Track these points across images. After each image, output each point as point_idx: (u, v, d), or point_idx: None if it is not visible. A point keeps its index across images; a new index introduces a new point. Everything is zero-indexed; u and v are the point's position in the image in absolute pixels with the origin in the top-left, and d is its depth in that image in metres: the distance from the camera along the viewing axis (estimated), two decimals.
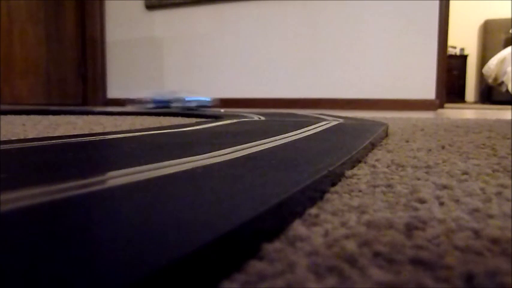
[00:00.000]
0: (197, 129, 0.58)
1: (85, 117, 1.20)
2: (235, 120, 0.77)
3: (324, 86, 2.04)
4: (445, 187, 0.28)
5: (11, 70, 2.46)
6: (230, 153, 0.33)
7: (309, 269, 0.14)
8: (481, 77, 3.88)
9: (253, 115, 0.99)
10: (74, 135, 0.50)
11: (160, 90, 1.56)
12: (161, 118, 1.16)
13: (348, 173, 0.32)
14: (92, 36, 2.53)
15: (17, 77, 2.48)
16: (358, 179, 0.30)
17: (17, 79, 2.48)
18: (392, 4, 1.89)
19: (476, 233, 0.18)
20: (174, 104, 1.44)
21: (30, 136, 0.64)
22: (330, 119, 0.80)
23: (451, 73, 4.10)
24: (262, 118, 0.87)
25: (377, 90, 1.94)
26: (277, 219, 0.18)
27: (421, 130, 0.74)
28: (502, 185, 0.28)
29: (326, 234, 0.18)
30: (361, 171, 0.33)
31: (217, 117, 0.95)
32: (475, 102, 4.30)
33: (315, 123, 0.66)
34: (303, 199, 0.22)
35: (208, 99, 1.49)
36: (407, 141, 0.55)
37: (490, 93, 3.85)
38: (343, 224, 0.19)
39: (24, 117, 1.16)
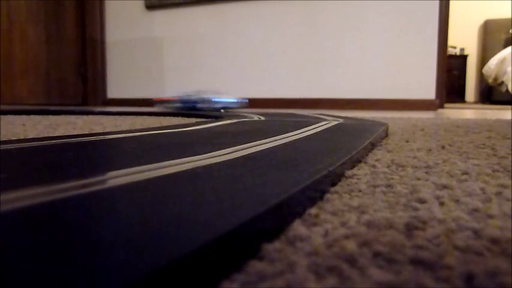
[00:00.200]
0: (197, 129, 0.58)
1: (85, 117, 1.20)
2: (235, 120, 0.77)
3: (324, 86, 2.04)
4: (445, 187, 0.28)
5: (11, 70, 2.46)
6: (230, 153, 0.33)
7: (309, 269, 0.14)
8: (481, 77, 3.88)
9: (253, 115, 0.99)
10: (74, 135, 0.50)
11: (187, 90, 1.45)
12: (161, 118, 1.16)
13: (348, 173, 0.32)
14: (92, 36, 2.53)
15: (17, 77, 2.48)
16: (358, 179, 0.30)
17: (17, 79, 2.48)
18: (392, 4, 1.89)
19: (476, 233, 0.18)
20: (200, 105, 1.35)
21: (30, 136, 0.64)
22: (329, 119, 0.80)
23: (451, 73, 4.10)
24: (262, 118, 0.87)
25: (377, 90, 1.94)
26: (277, 219, 0.18)
27: (421, 130, 0.74)
28: (502, 185, 0.28)
29: (326, 234, 0.18)
30: (361, 171, 0.33)
31: (217, 117, 0.95)
32: (475, 102, 4.30)
33: (315, 123, 0.66)
34: (303, 199, 0.22)
35: (235, 100, 1.41)
36: (407, 141, 0.55)
37: (490, 93, 3.85)
38: (343, 224, 0.19)
39: (24, 117, 1.16)
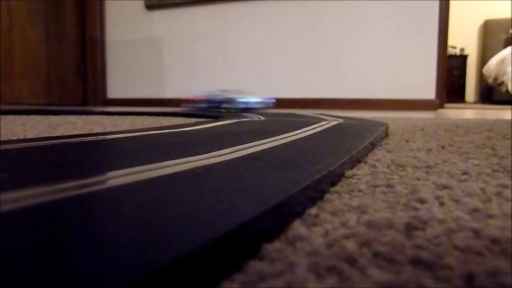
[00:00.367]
0: (197, 129, 0.58)
1: (85, 117, 1.20)
2: (235, 120, 0.77)
3: (324, 86, 2.04)
4: (445, 187, 0.28)
5: (11, 70, 2.46)
6: (230, 153, 0.33)
7: (309, 269, 0.14)
8: (481, 77, 3.88)
9: (253, 115, 0.99)
10: (74, 135, 0.50)
11: (212, 89, 1.41)
12: (161, 118, 1.16)
13: (348, 173, 0.32)
14: (92, 36, 2.53)
15: (17, 77, 2.47)
16: (358, 179, 0.30)
17: (17, 79, 2.48)
18: (392, 4, 1.89)
19: (476, 233, 0.18)
20: (225, 105, 1.32)
21: (30, 136, 0.64)
22: (329, 119, 0.80)
23: (451, 73, 4.10)
24: (262, 118, 0.87)
25: (377, 90, 1.94)
26: (277, 219, 0.18)
27: (421, 130, 0.74)
28: (502, 185, 0.28)
29: (326, 234, 0.18)
30: (361, 171, 0.33)
31: (217, 117, 0.95)
32: (475, 102, 4.30)
33: (314, 123, 0.66)
34: (303, 199, 0.22)
35: (259, 100, 1.36)
36: (407, 141, 0.55)
37: (490, 93, 3.85)
38: (343, 224, 0.19)
39: (24, 117, 1.16)
